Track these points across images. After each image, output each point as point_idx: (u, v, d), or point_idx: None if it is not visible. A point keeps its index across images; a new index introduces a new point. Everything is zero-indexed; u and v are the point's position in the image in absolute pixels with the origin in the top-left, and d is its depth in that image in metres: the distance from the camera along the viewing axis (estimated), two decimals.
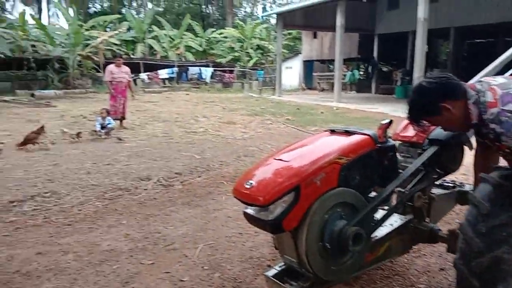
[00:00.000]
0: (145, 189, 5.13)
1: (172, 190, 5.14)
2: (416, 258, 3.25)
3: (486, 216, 1.80)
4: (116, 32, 26.59)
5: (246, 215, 2.10)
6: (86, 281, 2.95)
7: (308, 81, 29.41)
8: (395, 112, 12.99)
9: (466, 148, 2.51)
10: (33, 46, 22.91)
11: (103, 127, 8.57)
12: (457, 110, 1.84)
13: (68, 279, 2.98)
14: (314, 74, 28.72)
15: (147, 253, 3.41)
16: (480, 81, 1.83)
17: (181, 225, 4.02)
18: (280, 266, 2.24)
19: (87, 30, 27.03)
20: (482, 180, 1.92)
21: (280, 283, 2.11)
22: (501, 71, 3.14)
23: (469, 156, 2.47)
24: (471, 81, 2.90)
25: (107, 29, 30.04)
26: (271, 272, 2.21)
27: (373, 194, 2.30)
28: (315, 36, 27.68)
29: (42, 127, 7.46)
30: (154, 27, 32.16)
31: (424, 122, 2.03)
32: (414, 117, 2.01)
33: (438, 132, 2.38)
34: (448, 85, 1.85)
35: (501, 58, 3.17)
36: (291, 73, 30.55)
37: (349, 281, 2.77)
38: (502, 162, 2.11)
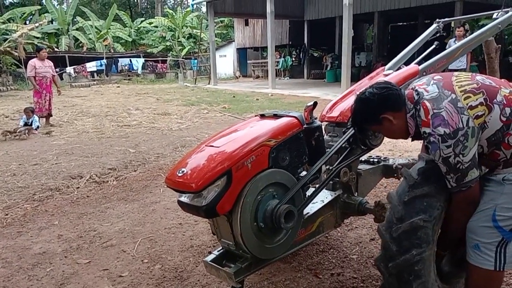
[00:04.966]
0: (77, 188, 4.93)
1: (106, 187, 4.98)
2: (348, 231, 3.43)
3: (412, 186, 1.94)
4: (37, 24, 24.83)
5: (180, 203, 2.09)
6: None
7: (243, 68, 29.44)
8: (326, 95, 13.46)
9: None
10: None
11: (26, 125, 8.12)
12: (397, 120, 1.95)
13: None
14: (249, 61, 28.78)
15: (82, 252, 3.30)
16: (417, 90, 1.91)
17: (118, 221, 3.93)
18: (218, 251, 2.27)
19: (3, 23, 25.07)
20: (418, 158, 2.07)
21: (219, 267, 2.15)
22: (421, 50, 3.43)
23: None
24: (392, 63, 3.11)
25: (27, 22, 27.98)
26: (209, 257, 2.24)
27: (304, 173, 2.39)
28: (246, 24, 27.67)
29: None
30: (79, 18, 30.47)
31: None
32: (356, 125, 2.18)
33: None
34: (389, 97, 1.94)
35: (417, 40, 3.44)
36: (226, 61, 30.38)
37: (286, 258, 2.87)
38: None
